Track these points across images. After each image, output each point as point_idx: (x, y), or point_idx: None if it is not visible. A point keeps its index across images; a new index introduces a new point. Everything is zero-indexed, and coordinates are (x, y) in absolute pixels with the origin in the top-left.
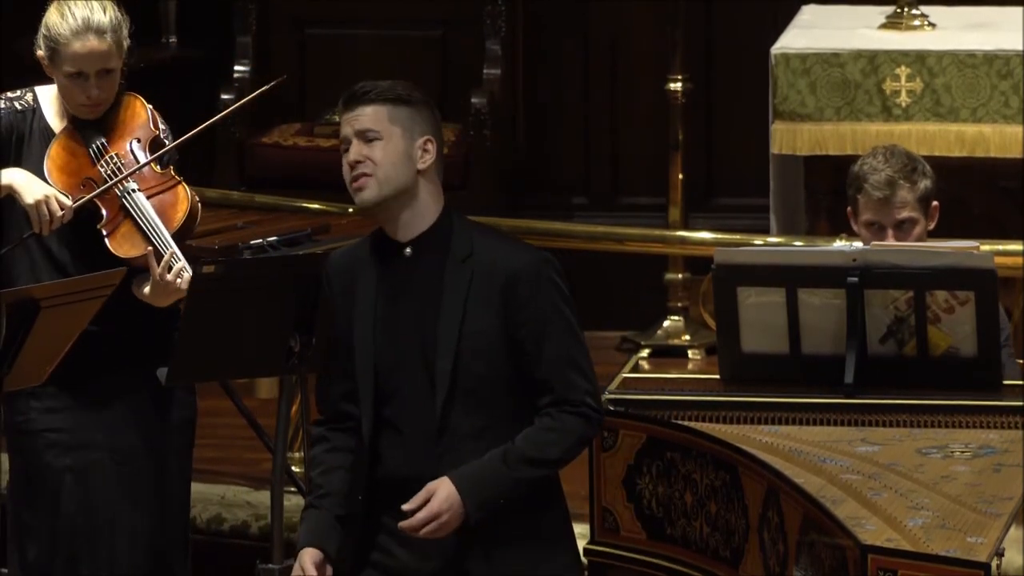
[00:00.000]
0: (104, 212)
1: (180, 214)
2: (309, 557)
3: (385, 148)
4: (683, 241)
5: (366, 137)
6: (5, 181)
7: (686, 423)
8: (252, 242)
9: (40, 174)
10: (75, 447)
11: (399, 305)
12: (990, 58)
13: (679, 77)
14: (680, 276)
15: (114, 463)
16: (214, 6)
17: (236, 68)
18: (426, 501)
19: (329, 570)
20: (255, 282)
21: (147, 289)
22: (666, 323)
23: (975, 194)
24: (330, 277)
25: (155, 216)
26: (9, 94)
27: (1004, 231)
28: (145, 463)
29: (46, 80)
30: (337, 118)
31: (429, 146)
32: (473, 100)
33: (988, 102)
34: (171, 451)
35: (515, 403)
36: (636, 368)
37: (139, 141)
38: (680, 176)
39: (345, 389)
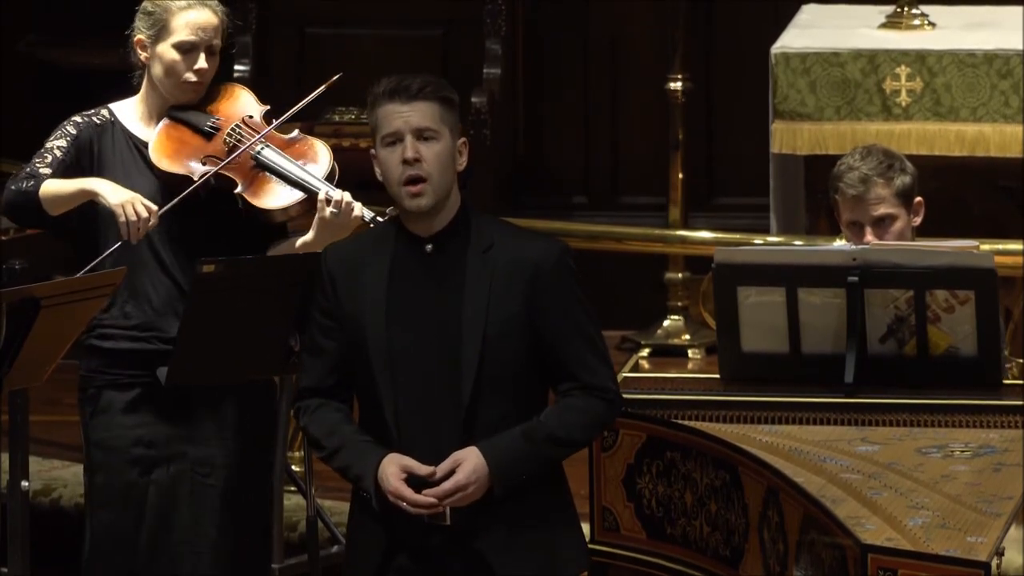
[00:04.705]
0: (237, 179)
1: (324, 158)
2: (395, 466)
3: (439, 150)
4: (683, 240)
5: (423, 135)
6: (87, 186)
7: (686, 423)
8: None
9: (127, 184)
10: (161, 461)
11: (418, 297)
12: (990, 57)
13: (679, 77)
14: (680, 275)
15: (199, 475)
16: None
17: (236, 68)
18: (451, 470)
19: (417, 464)
20: (255, 282)
21: (305, 239)
22: (666, 322)
23: (975, 194)
24: (331, 268)
25: (298, 164)
26: (83, 113)
27: (1004, 231)
28: (228, 473)
29: (47, 84)
30: (337, 118)
31: (463, 148)
32: (473, 100)
33: (988, 101)
34: (253, 463)
35: (532, 390)
36: (636, 367)
37: (252, 116)
38: (680, 176)
39: (332, 368)
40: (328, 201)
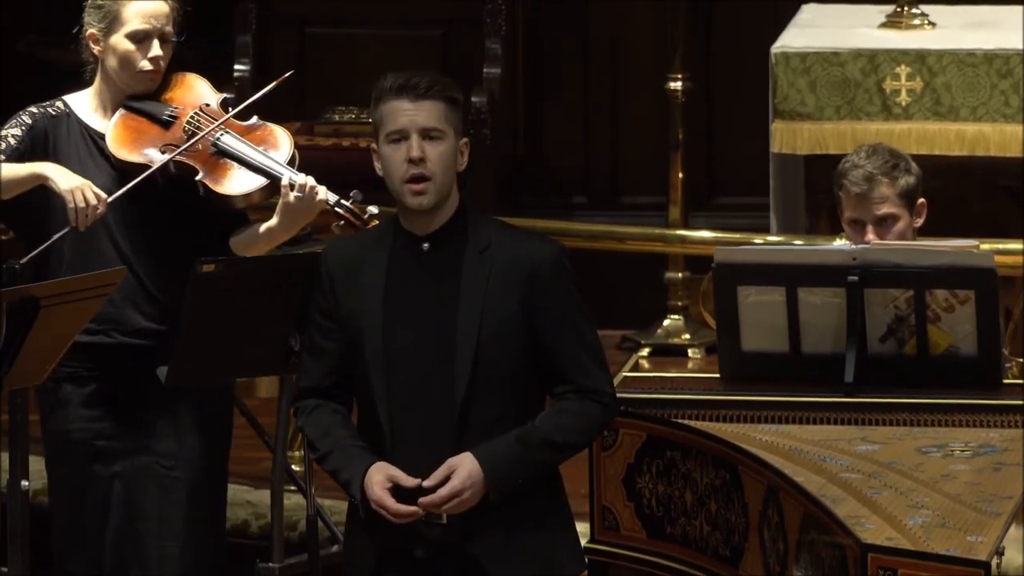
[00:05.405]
0: (197, 166)
1: (285, 144)
2: (382, 475)
3: (443, 150)
4: (683, 240)
5: (429, 135)
6: (37, 170)
7: (686, 422)
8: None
9: (82, 175)
10: (124, 454)
11: (414, 296)
12: (990, 57)
13: (679, 77)
14: (680, 275)
15: (163, 468)
16: (214, 6)
17: (236, 68)
18: (446, 477)
19: (402, 475)
20: (255, 282)
21: (268, 225)
22: (666, 322)
23: (975, 193)
24: (330, 268)
25: (259, 150)
26: (38, 104)
27: (1004, 230)
28: (193, 467)
29: (48, 82)
30: (337, 117)
31: (465, 148)
32: (473, 100)
33: (988, 101)
34: (211, 455)
35: (529, 392)
36: (636, 367)
37: (209, 104)
38: (680, 175)
39: (331, 369)
40: (292, 186)
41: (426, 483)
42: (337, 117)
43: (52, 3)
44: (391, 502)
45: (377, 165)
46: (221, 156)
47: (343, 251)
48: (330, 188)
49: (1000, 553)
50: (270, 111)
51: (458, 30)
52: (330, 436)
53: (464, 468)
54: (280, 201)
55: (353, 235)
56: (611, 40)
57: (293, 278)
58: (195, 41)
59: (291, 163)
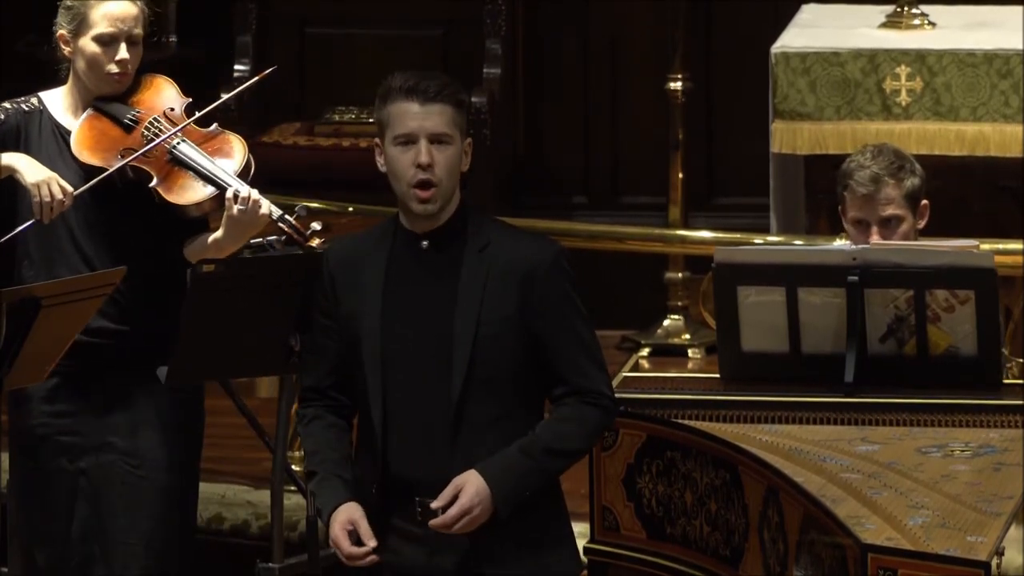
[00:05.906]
0: (152, 172)
1: (238, 154)
2: (345, 517)
3: (450, 155)
4: (683, 240)
5: (439, 139)
6: (6, 162)
7: (686, 422)
8: (252, 241)
9: (51, 170)
10: (89, 450)
11: (412, 295)
12: (990, 57)
13: (679, 77)
14: (680, 275)
15: (128, 466)
16: (214, 6)
17: (236, 68)
18: (454, 496)
19: (364, 525)
20: (255, 282)
21: (215, 236)
22: (666, 322)
23: (975, 193)
24: (331, 267)
25: (211, 160)
26: (12, 99)
27: (1004, 231)
28: (158, 466)
29: (45, 83)
30: (337, 117)
31: (468, 148)
32: (473, 100)
33: (988, 101)
34: (181, 453)
35: (528, 393)
36: (636, 367)
37: (173, 109)
38: (680, 175)
39: (332, 369)
40: (236, 198)
41: (434, 504)
42: (337, 117)
43: (52, 3)
44: (344, 544)
45: (379, 161)
46: (176, 164)
47: (344, 251)
48: (330, 188)
49: (1000, 553)
50: (270, 111)
51: (458, 30)
52: (319, 455)
53: (471, 486)
54: (224, 213)
55: (355, 234)
56: (611, 40)
57: (293, 278)
58: (195, 41)
59: (244, 173)
